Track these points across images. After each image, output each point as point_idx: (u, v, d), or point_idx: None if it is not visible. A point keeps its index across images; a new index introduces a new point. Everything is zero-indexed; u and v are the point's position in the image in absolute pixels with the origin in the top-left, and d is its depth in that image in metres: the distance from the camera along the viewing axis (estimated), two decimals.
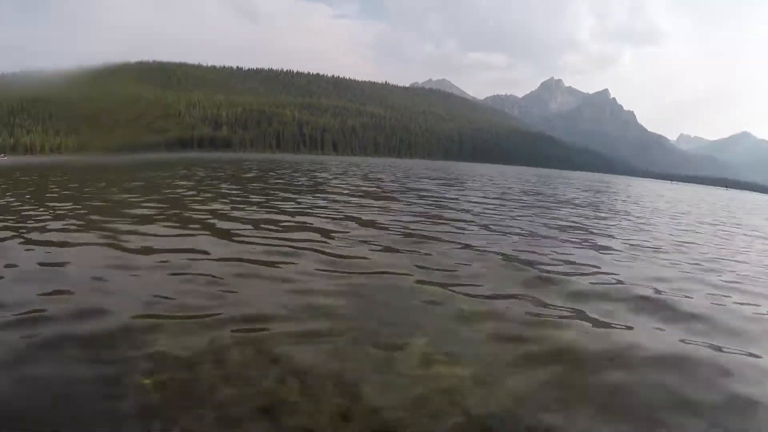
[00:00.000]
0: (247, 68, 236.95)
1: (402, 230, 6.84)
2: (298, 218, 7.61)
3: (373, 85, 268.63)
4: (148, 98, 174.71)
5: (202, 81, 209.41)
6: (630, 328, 3.46)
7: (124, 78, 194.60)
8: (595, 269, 5.17)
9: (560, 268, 5.09)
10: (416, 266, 4.71)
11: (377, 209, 9.32)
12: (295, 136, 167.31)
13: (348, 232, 6.45)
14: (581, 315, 3.64)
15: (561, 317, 3.58)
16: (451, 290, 4.02)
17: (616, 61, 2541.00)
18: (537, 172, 67.09)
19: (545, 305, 3.81)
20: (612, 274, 5.02)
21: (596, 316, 3.62)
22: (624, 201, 18.17)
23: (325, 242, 5.71)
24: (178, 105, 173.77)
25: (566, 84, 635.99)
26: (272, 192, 12.40)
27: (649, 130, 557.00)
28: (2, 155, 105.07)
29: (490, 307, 3.70)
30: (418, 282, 4.20)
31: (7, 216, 7.38)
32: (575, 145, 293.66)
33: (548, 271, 4.91)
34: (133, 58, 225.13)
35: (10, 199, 9.89)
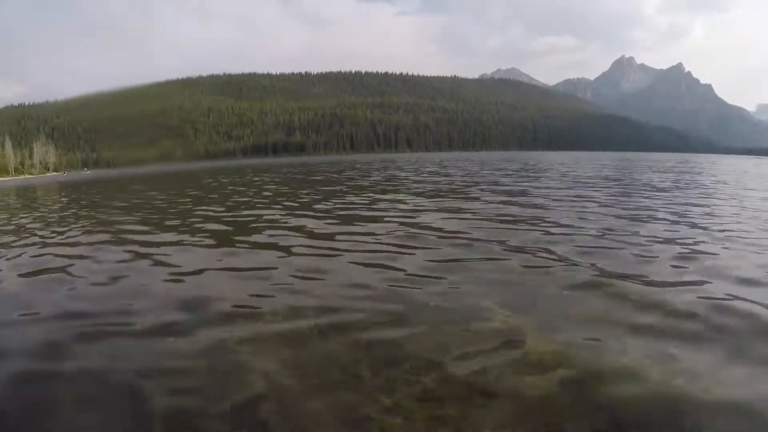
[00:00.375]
0: (315, 73, 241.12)
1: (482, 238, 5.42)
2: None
3: (442, 79, 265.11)
4: (221, 109, 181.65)
5: (272, 89, 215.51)
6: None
7: (197, 91, 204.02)
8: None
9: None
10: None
11: (452, 210, 7.96)
12: (368, 135, 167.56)
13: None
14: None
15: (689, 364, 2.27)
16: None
17: (687, 32, 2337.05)
18: (614, 156, 61.33)
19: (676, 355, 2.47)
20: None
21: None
22: (724, 184, 14.73)
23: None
24: (251, 113, 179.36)
25: (638, 61, 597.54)
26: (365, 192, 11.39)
27: (728, 102, 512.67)
28: (86, 170, 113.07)
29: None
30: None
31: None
32: (650, 123, 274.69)
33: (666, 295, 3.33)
34: (204, 72, 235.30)
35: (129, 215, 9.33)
